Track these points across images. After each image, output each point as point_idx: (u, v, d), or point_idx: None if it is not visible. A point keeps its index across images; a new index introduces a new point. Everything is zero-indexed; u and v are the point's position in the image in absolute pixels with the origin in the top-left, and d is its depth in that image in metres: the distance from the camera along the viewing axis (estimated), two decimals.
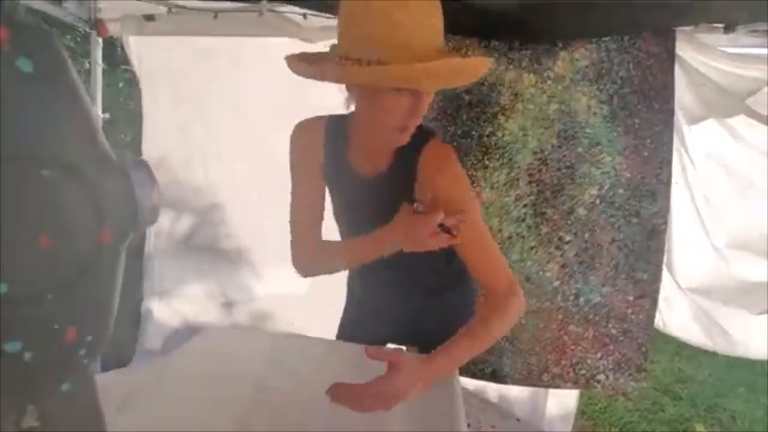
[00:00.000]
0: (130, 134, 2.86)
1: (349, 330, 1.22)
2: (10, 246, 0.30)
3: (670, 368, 2.80)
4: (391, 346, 1.21)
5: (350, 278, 1.23)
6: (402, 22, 0.72)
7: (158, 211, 0.36)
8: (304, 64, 0.81)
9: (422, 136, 0.90)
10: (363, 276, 1.17)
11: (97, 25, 1.80)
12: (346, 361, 0.97)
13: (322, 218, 1.03)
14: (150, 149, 1.91)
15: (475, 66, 0.83)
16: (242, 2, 1.68)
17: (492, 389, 1.88)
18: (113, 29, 1.82)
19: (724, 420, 2.49)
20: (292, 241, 1.01)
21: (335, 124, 0.96)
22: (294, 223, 1.01)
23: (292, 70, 0.83)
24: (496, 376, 1.74)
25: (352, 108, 0.89)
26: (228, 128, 1.91)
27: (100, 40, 1.85)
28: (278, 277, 1.93)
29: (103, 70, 1.90)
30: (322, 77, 0.79)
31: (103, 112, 1.89)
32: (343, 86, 0.86)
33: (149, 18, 1.76)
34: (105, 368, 2.04)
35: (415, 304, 1.15)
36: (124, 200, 0.34)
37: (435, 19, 0.76)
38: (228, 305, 1.97)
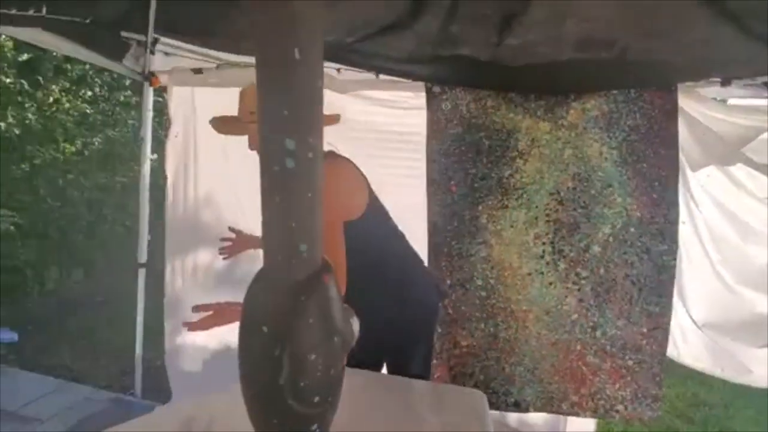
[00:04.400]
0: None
1: None
2: None
3: (683, 393, 2.85)
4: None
5: None
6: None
7: (358, 329, 0.53)
8: None
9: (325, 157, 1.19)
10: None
11: (149, 76, 2.00)
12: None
13: None
14: (198, 187, 2.04)
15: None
16: None
17: (512, 415, 1.94)
18: (163, 80, 2.02)
19: None
20: None
21: None
22: None
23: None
24: (518, 406, 1.82)
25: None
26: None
27: (151, 90, 2.04)
28: None
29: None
30: None
31: (152, 153, 2.07)
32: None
33: (197, 71, 1.95)
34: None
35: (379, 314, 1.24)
36: (351, 338, 0.52)
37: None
38: None
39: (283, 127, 0.41)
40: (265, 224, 0.42)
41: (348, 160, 1.30)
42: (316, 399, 0.43)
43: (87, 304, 3.17)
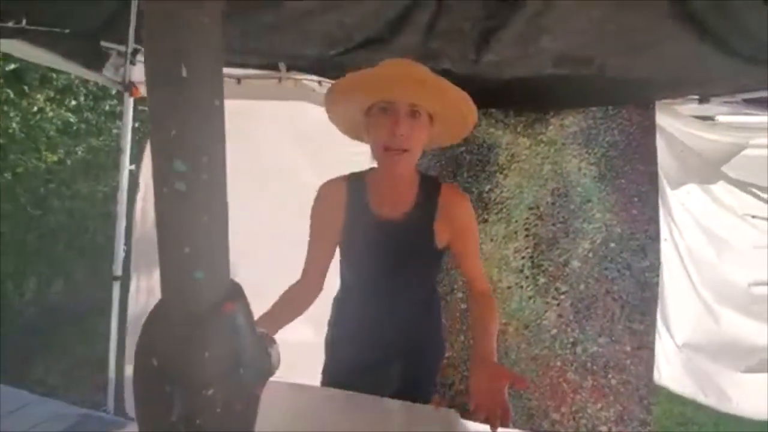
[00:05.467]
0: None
1: (334, 352, 1.26)
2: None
3: (670, 410, 2.79)
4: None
5: (339, 299, 1.26)
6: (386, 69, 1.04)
7: (279, 358, 0.50)
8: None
9: (435, 180, 1.14)
10: (355, 295, 1.23)
11: (130, 86, 1.99)
12: (360, 412, 1.04)
13: (328, 264, 1.18)
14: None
15: (439, 86, 1.00)
16: (263, 70, 1.87)
17: None
18: (144, 90, 2.00)
19: None
20: (303, 270, 1.16)
21: (356, 179, 1.14)
22: (309, 261, 1.16)
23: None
24: None
25: (374, 164, 1.10)
26: (236, 184, 2.01)
27: (132, 100, 2.03)
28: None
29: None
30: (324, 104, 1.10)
31: (131, 163, 2.04)
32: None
33: None
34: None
35: (398, 324, 1.20)
36: (268, 369, 0.48)
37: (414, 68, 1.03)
38: None
39: (171, 148, 0.38)
40: (160, 250, 0.40)
41: None
42: None
43: (66, 316, 3.11)
